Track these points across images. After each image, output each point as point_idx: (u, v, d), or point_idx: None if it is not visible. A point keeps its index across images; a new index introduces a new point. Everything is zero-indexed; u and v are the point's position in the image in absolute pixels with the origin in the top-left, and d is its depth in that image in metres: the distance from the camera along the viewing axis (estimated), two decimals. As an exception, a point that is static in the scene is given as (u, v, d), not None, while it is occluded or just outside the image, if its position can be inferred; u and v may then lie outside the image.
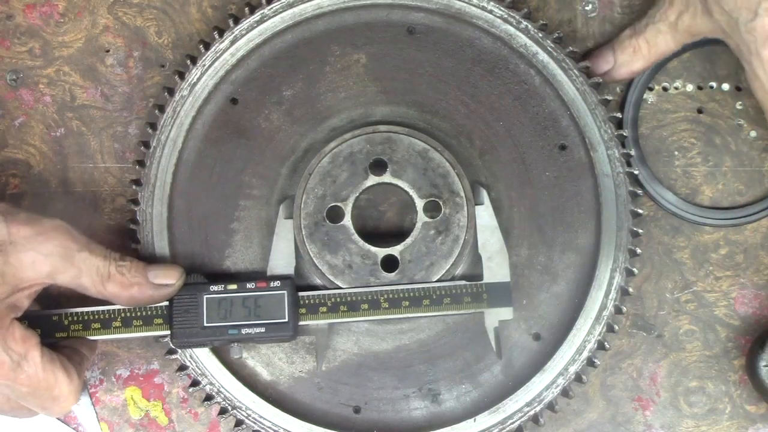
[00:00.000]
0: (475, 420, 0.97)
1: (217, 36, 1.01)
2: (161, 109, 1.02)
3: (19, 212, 0.90)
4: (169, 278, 0.94)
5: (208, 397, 0.98)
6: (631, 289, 1.00)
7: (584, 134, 1.00)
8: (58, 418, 1.05)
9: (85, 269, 0.90)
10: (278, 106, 1.03)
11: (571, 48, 1.01)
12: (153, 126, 1.01)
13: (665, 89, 1.08)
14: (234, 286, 0.96)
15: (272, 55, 1.03)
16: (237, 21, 1.02)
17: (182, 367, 0.99)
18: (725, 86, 1.08)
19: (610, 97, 1.03)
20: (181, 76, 1.02)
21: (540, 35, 1.01)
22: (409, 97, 1.03)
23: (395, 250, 1.00)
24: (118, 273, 0.91)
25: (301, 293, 0.97)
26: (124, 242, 1.05)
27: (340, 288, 0.98)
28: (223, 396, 0.98)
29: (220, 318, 0.95)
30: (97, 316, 0.95)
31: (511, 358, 1.00)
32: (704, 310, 1.06)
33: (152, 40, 1.08)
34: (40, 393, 0.88)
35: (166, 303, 0.96)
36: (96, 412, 1.05)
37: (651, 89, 1.08)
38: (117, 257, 0.92)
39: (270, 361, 1.01)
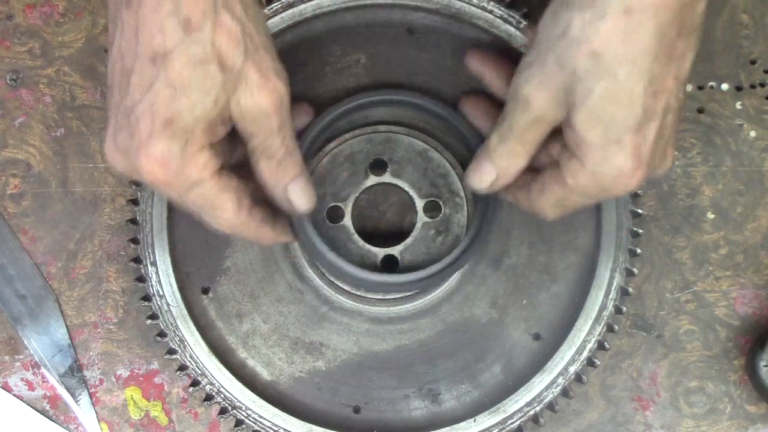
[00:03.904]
0: (475, 420, 0.97)
1: (217, 36, 1.01)
2: (161, 109, 1.01)
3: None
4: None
5: (208, 397, 0.98)
6: (631, 289, 1.00)
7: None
8: (57, 421, 1.05)
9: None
10: (278, 106, 1.02)
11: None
12: (153, 126, 1.01)
13: (665, 89, 1.08)
14: None
15: (272, 55, 1.03)
16: (237, 21, 1.01)
17: (182, 367, 0.99)
18: (725, 86, 1.08)
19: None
20: (181, 76, 1.02)
21: (540, 35, 1.01)
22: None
23: (395, 250, 1.00)
24: None
25: None
26: (124, 242, 1.05)
27: None
28: (223, 396, 0.98)
29: None
30: None
31: (511, 358, 1.00)
32: (704, 310, 1.06)
33: (152, 40, 1.08)
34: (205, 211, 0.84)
35: None
36: (96, 412, 1.05)
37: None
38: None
39: (270, 361, 1.01)
